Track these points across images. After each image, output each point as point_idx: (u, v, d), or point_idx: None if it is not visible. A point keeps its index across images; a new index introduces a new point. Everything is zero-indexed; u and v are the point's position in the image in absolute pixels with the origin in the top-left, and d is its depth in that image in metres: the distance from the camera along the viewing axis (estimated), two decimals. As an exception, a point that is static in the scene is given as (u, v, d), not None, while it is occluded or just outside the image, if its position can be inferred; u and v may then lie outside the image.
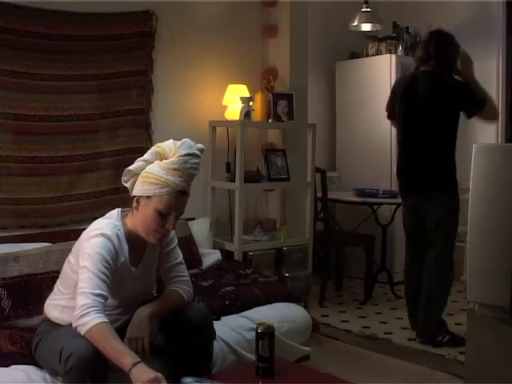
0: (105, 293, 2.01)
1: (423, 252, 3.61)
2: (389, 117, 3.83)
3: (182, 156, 2.08)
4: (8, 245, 2.80)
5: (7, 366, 2.14)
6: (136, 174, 2.13)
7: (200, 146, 2.18)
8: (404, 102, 3.59)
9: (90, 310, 1.94)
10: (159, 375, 1.85)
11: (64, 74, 3.28)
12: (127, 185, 2.16)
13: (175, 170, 2.07)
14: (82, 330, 1.93)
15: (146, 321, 2.13)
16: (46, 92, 3.22)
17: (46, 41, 3.20)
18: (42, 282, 2.61)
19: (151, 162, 2.12)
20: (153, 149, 2.15)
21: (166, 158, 2.11)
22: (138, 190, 2.12)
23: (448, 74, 3.49)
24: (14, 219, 3.14)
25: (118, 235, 2.12)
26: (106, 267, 2.03)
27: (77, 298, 1.99)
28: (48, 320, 2.22)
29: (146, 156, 2.14)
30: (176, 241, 2.37)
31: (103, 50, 3.43)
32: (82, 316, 1.93)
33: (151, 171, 2.09)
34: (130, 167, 2.13)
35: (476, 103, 3.41)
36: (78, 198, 3.35)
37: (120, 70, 3.52)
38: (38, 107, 3.20)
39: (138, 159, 2.15)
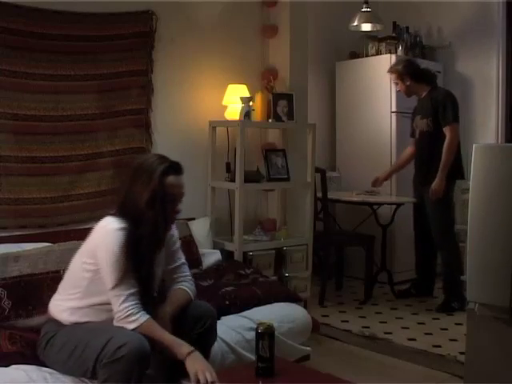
0: (136, 288, 2.09)
1: None
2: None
3: None
4: (8, 245, 2.80)
5: (7, 365, 2.14)
6: None
7: None
8: None
9: (133, 309, 2.07)
10: (210, 366, 2.04)
11: (64, 73, 3.28)
12: None
13: None
14: (131, 326, 2.04)
15: (167, 321, 2.19)
16: (46, 92, 3.22)
17: (46, 41, 3.20)
18: (42, 282, 2.61)
19: None
20: None
21: None
22: None
23: None
24: (13, 219, 3.14)
25: None
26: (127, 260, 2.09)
27: (112, 300, 2.07)
28: (55, 320, 2.20)
29: None
30: (179, 242, 2.41)
31: (103, 50, 3.43)
32: (127, 316, 2.06)
33: None
34: None
35: None
36: (78, 198, 3.35)
37: (120, 70, 3.52)
38: (37, 107, 3.20)
39: None
